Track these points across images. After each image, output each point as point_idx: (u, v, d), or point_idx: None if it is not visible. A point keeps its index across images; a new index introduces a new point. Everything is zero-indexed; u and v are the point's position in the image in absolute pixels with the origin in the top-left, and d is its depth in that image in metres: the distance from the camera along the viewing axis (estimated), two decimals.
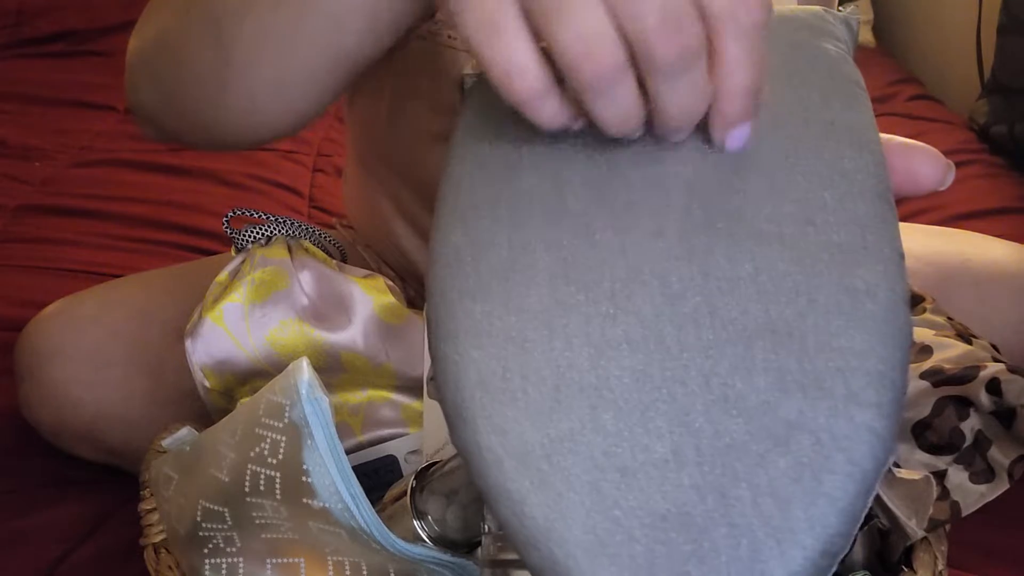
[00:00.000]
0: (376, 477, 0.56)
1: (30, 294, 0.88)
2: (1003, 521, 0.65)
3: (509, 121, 0.36)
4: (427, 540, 0.44)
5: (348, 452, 0.46)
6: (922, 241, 0.73)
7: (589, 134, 0.35)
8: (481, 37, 0.31)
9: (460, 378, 0.30)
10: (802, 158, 0.34)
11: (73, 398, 0.67)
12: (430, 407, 0.55)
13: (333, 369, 0.57)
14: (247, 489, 0.44)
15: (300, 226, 0.61)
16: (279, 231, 0.60)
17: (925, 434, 0.50)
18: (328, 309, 0.58)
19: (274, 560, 0.45)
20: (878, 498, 0.45)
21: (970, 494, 0.48)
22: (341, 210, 0.90)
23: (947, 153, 0.35)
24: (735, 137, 0.34)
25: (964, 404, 0.50)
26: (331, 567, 0.45)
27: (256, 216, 0.60)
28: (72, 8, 1.52)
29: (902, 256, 0.32)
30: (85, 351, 0.67)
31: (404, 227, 0.75)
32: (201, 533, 0.46)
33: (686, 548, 0.27)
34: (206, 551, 0.46)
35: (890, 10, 1.80)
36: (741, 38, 0.32)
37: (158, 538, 0.49)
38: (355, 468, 0.44)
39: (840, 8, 0.42)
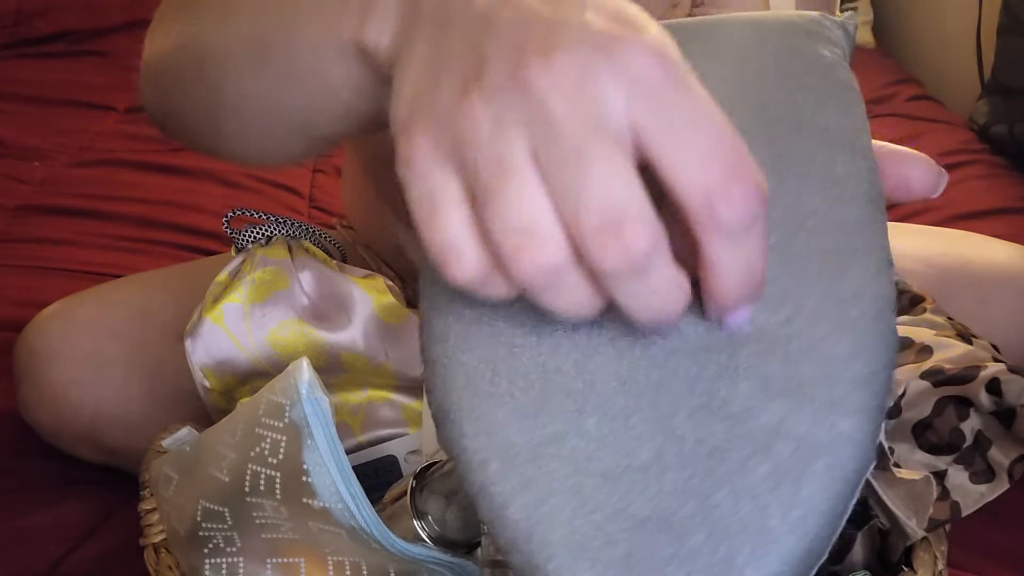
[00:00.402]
0: (376, 477, 0.56)
1: (30, 294, 0.88)
2: (1003, 521, 0.65)
3: None
4: (427, 540, 0.44)
5: (348, 452, 0.46)
6: (923, 242, 0.73)
7: None
8: (421, 213, 0.28)
9: (448, 381, 0.31)
10: (794, 163, 0.34)
11: (72, 399, 0.66)
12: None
13: (333, 369, 0.57)
14: (247, 489, 0.44)
15: (300, 226, 0.61)
16: (279, 231, 0.60)
17: (925, 434, 0.50)
18: (328, 309, 0.58)
19: (274, 560, 0.45)
20: (878, 498, 0.45)
21: (970, 494, 0.48)
22: (341, 210, 0.90)
23: (947, 153, 0.35)
24: (732, 321, 0.30)
25: (964, 404, 0.50)
26: (331, 567, 0.45)
27: (256, 216, 0.60)
28: (72, 8, 1.51)
29: (890, 263, 0.32)
30: (84, 352, 0.67)
31: (403, 227, 0.75)
32: (201, 533, 0.46)
33: (666, 552, 0.27)
34: (206, 551, 0.46)
35: (890, 10, 1.80)
36: (725, 239, 0.27)
37: (158, 538, 0.49)
38: (355, 468, 0.44)
39: (840, 12, 0.42)
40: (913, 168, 0.35)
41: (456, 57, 0.28)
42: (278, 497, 0.44)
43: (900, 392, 0.50)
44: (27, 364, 0.67)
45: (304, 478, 0.43)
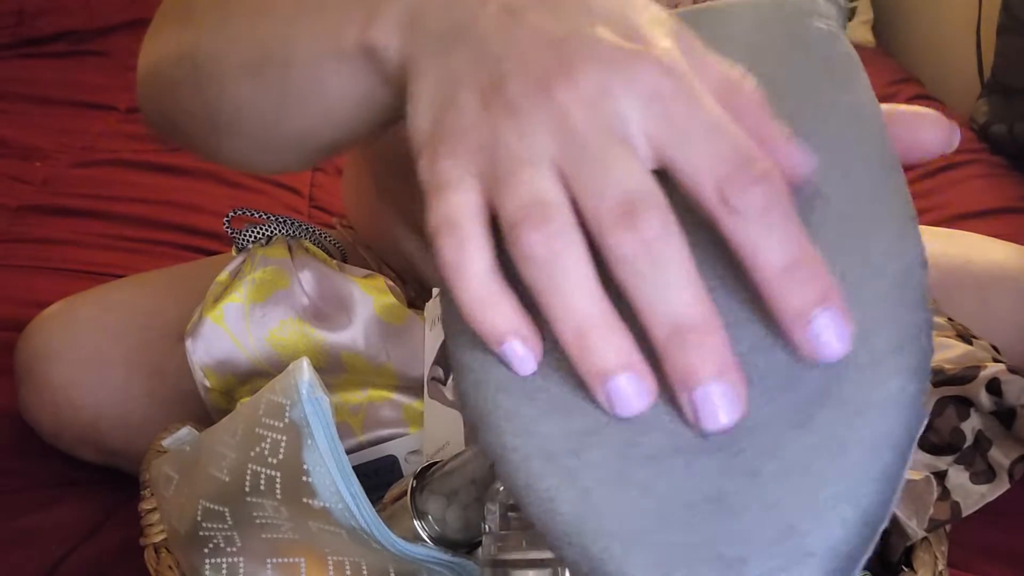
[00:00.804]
0: (376, 477, 0.56)
1: (30, 294, 0.88)
2: (1003, 521, 0.65)
3: None
4: (427, 540, 0.44)
5: (348, 452, 0.46)
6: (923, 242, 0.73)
7: None
8: (439, 231, 0.29)
9: (480, 383, 0.30)
10: (803, 134, 0.34)
11: (73, 399, 0.67)
12: (430, 407, 0.55)
13: (333, 369, 0.57)
14: (247, 489, 0.44)
15: (300, 226, 0.61)
16: (279, 231, 0.60)
17: (926, 434, 0.50)
18: (328, 309, 0.58)
19: (274, 560, 0.45)
20: None
21: (971, 494, 0.48)
22: (341, 210, 0.90)
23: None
24: (817, 333, 0.27)
25: (965, 404, 0.50)
26: (331, 567, 0.45)
27: (256, 216, 0.60)
28: (73, 8, 1.52)
29: (914, 219, 0.32)
30: (85, 352, 0.67)
31: (403, 228, 0.75)
32: (201, 533, 0.46)
33: (721, 531, 0.27)
34: (206, 551, 0.46)
35: (890, 10, 1.80)
36: (749, 224, 0.27)
37: (158, 538, 0.49)
38: (355, 468, 0.44)
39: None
40: (924, 127, 0.35)
41: (472, 73, 0.30)
42: (278, 497, 0.44)
43: None
44: (28, 364, 0.68)
45: (304, 478, 0.43)
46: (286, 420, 0.43)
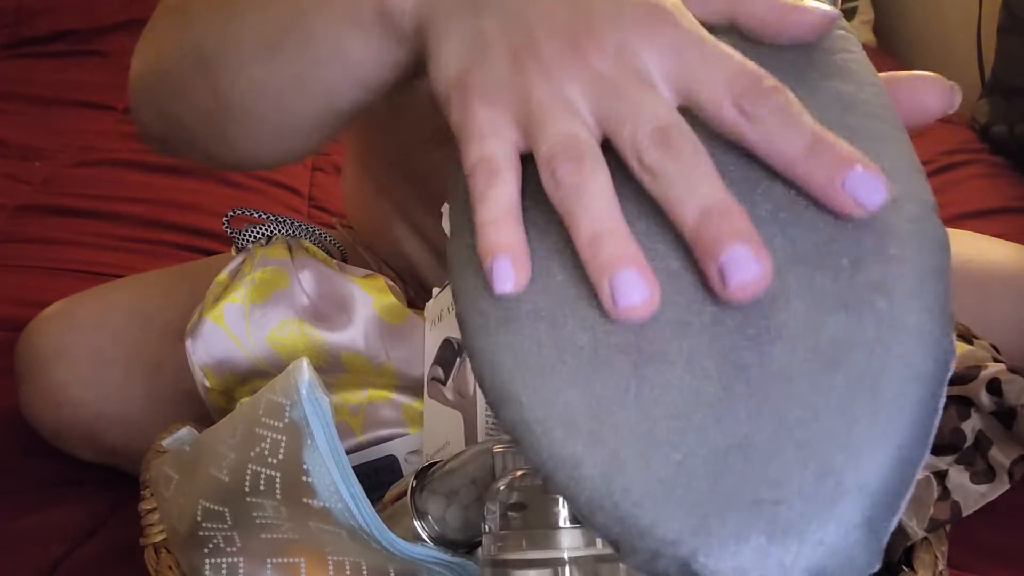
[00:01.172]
0: (376, 477, 0.56)
1: (30, 294, 0.88)
2: (1003, 521, 0.65)
3: None
4: (427, 540, 0.44)
5: (348, 452, 0.46)
6: None
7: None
8: (477, 168, 0.33)
9: (496, 365, 0.31)
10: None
11: (73, 399, 0.67)
12: (430, 407, 0.55)
13: (333, 369, 0.57)
14: (247, 489, 0.44)
15: (300, 226, 0.61)
16: (279, 231, 0.60)
17: None
18: (328, 309, 0.58)
19: (274, 560, 0.45)
20: None
21: (971, 494, 0.48)
22: (341, 210, 0.90)
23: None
24: (854, 191, 0.30)
25: (965, 404, 0.50)
26: (331, 567, 0.45)
27: (256, 216, 0.60)
28: (71, 8, 1.51)
29: (922, 172, 0.32)
30: (85, 352, 0.67)
31: (404, 227, 0.75)
32: (201, 533, 0.46)
33: (755, 475, 0.27)
34: (206, 551, 0.46)
35: (890, 10, 1.80)
36: (763, 123, 0.31)
37: (158, 538, 0.49)
38: (355, 468, 0.44)
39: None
40: (923, 89, 0.36)
41: (504, 35, 0.34)
42: (278, 497, 0.44)
43: None
44: (28, 364, 0.68)
45: (304, 478, 0.43)
46: (286, 420, 0.43)
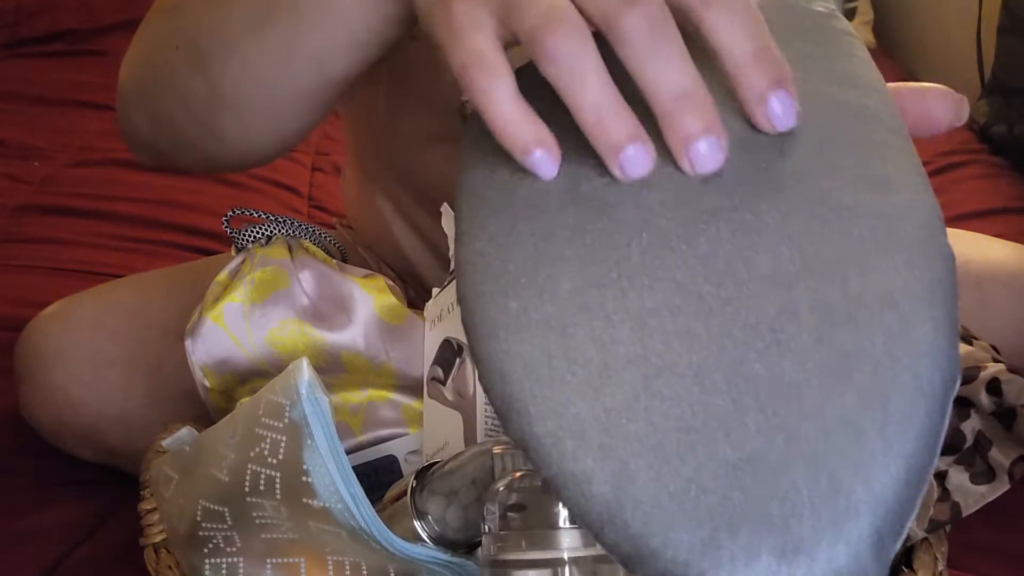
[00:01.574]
0: (376, 477, 0.56)
1: (30, 294, 0.88)
2: (1003, 521, 0.65)
3: None
4: (427, 540, 0.44)
5: (348, 452, 0.46)
6: None
7: None
8: (468, 64, 0.33)
9: (505, 373, 0.30)
10: (810, 107, 0.34)
11: (73, 399, 0.67)
12: (430, 407, 0.55)
13: (333, 369, 0.57)
14: (247, 489, 0.44)
15: (300, 226, 0.61)
16: (279, 231, 0.60)
17: None
18: (328, 309, 0.58)
19: (274, 560, 0.45)
20: None
21: (970, 495, 0.48)
22: (341, 210, 0.90)
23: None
24: (774, 110, 0.32)
25: (965, 405, 0.50)
26: (331, 567, 0.45)
27: (256, 215, 0.60)
28: (70, 8, 1.52)
29: (927, 180, 0.32)
30: (85, 352, 0.67)
31: (403, 228, 0.75)
32: (201, 533, 0.46)
33: (764, 491, 0.27)
34: (206, 551, 0.46)
35: (890, 10, 1.80)
36: (718, 11, 0.32)
37: (158, 538, 0.49)
38: (355, 468, 0.44)
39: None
40: (931, 101, 0.36)
41: None
42: (278, 497, 0.44)
43: None
44: (28, 364, 0.68)
45: (304, 478, 0.43)
46: (286, 420, 0.43)
